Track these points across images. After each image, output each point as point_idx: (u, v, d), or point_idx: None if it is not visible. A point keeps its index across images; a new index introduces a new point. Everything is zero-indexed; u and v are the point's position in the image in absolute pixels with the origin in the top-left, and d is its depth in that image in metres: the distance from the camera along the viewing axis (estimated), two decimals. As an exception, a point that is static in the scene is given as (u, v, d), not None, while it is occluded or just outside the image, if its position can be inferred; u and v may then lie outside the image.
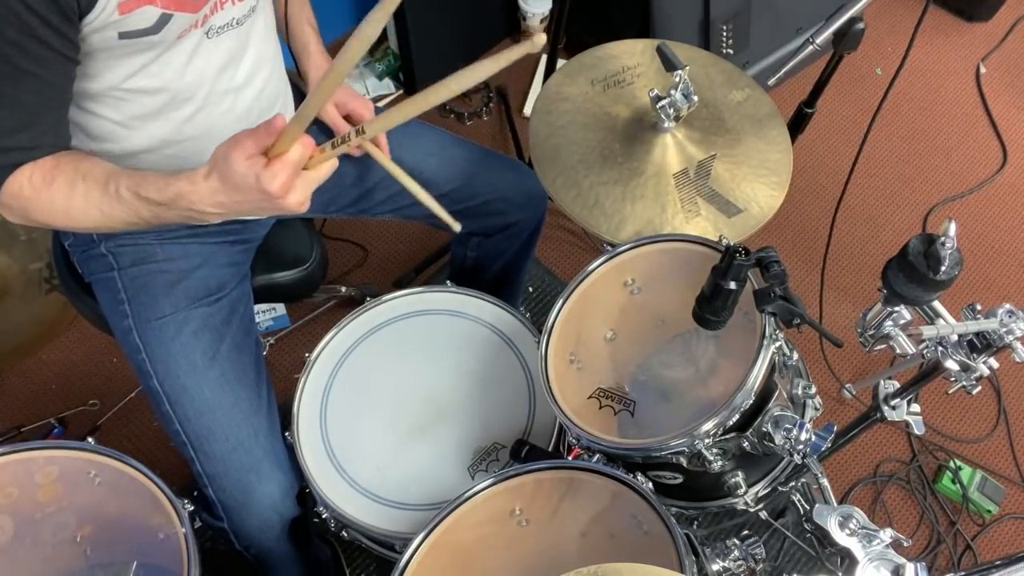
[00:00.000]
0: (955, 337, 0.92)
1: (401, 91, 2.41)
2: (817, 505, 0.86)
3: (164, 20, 0.89)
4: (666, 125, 1.26)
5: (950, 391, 0.96)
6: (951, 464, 1.82)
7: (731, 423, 0.96)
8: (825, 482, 1.08)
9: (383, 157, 1.27)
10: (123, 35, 0.88)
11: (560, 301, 1.13)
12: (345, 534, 1.18)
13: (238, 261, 1.24)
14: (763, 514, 1.13)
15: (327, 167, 0.88)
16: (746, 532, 1.01)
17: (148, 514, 1.03)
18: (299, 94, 1.30)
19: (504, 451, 1.17)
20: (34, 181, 0.90)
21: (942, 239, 0.83)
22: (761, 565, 0.98)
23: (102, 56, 0.91)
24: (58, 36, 0.83)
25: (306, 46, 1.27)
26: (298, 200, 0.86)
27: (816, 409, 1.10)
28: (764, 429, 0.97)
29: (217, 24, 0.97)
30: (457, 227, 1.10)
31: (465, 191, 1.35)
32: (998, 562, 0.80)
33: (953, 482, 1.80)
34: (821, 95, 1.47)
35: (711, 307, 0.94)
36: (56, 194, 0.91)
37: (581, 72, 1.38)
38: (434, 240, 2.08)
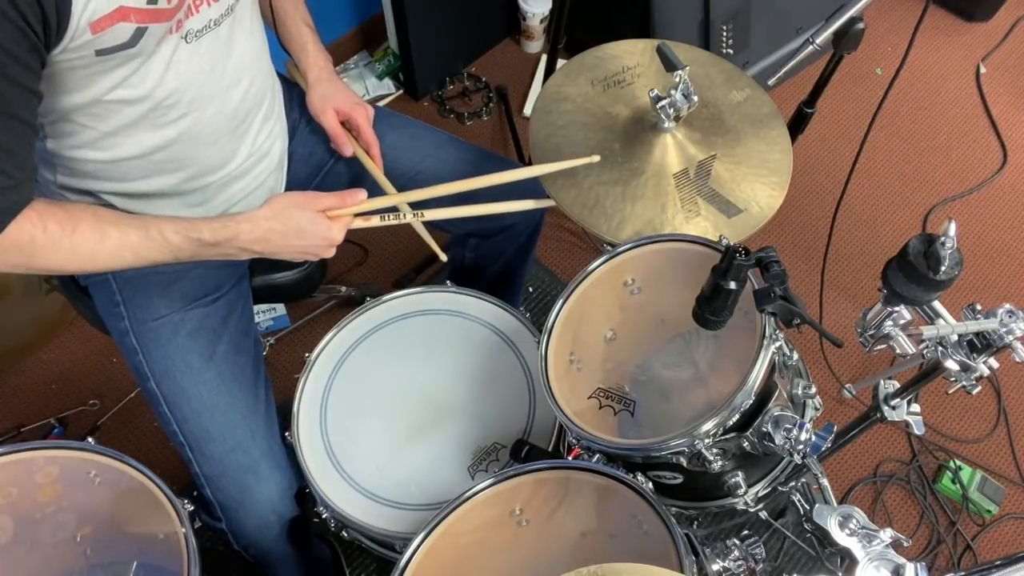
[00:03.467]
0: (955, 337, 0.92)
1: (401, 91, 2.41)
2: (817, 505, 0.86)
3: (140, 34, 0.88)
4: (666, 125, 1.25)
5: (950, 391, 0.96)
6: (951, 464, 1.82)
7: (731, 423, 0.96)
8: (825, 482, 1.08)
9: (376, 170, 1.27)
10: (100, 52, 0.87)
11: (560, 301, 1.13)
12: (345, 534, 1.18)
13: (235, 261, 1.24)
14: (763, 514, 1.13)
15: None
16: (746, 532, 1.01)
17: (148, 514, 1.03)
18: (289, 90, 1.29)
19: (504, 451, 1.17)
20: (50, 230, 0.90)
21: (942, 239, 0.83)
22: (761, 565, 0.98)
23: (83, 73, 0.90)
24: (26, 71, 0.81)
25: (304, 45, 1.26)
26: (333, 251, 1.09)
27: (816, 409, 1.10)
28: (764, 429, 0.97)
29: (195, 28, 0.96)
30: (443, 257, 1.25)
31: (462, 193, 1.35)
32: (998, 562, 0.80)
33: (953, 482, 1.80)
34: (821, 95, 1.47)
35: (711, 307, 0.94)
36: (81, 242, 0.92)
37: (581, 72, 1.38)
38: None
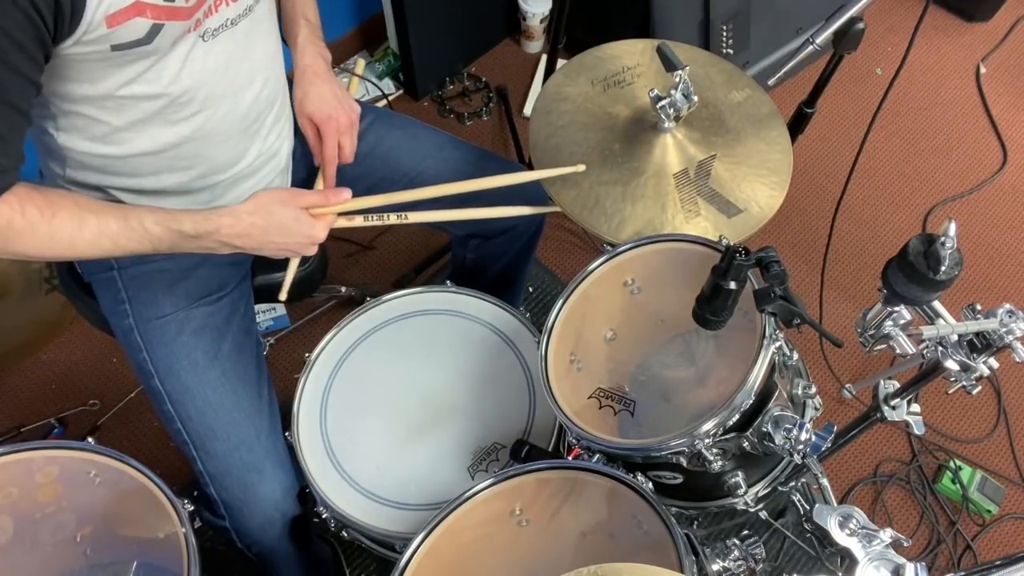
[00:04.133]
0: (955, 337, 0.92)
1: (401, 91, 2.41)
2: (817, 505, 0.86)
3: (155, 30, 0.89)
4: (666, 125, 1.26)
5: (950, 391, 0.96)
6: (951, 464, 1.82)
7: (731, 423, 0.96)
8: (825, 482, 1.08)
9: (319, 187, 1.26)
10: (115, 47, 0.88)
11: (560, 301, 1.13)
12: (345, 534, 1.18)
13: (239, 260, 1.24)
14: (763, 514, 1.13)
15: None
16: (746, 532, 1.01)
17: (148, 514, 1.03)
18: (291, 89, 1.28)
19: (504, 451, 1.17)
20: (28, 215, 0.89)
21: (942, 239, 0.83)
22: (761, 565, 0.98)
23: (98, 66, 0.90)
24: (28, 60, 0.81)
25: (295, 39, 1.21)
26: (315, 249, 1.09)
27: (816, 409, 1.10)
28: (764, 429, 0.97)
29: (212, 27, 0.96)
30: (283, 296, 1.20)
31: (463, 194, 1.35)
32: (998, 562, 0.80)
33: (953, 482, 1.80)
34: (821, 95, 1.47)
35: (711, 307, 0.94)
36: (59, 228, 0.91)
37: (581, 72, 1.38)
38: (434, 240, 2.08)
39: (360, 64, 1.41)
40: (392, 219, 1.15)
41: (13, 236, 0.90)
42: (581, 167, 1.22)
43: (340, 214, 1.10)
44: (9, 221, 0.88)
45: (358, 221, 1.13)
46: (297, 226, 1.04)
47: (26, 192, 0.90)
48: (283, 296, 1.20)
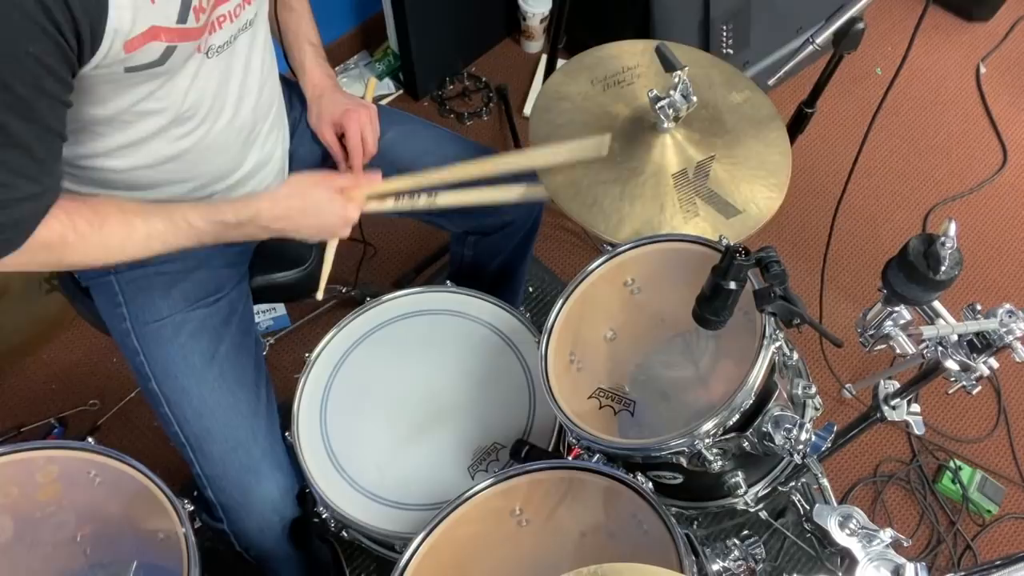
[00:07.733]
0: (955, 337, 0.92)
1: (401, 91, 2.41)
2: (817, 505, 0.86)
3: (169, 52, 0.89)
4: (665, 125, 1.26)
5: (950, 391, 0.96)
6: (951, 464, 1.82)
7: (731, 423, 0.96)
8: (825, 482, 1.08)
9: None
10: (129, 69, 0.88)
11: (560, 301, 1.13)
12: (345, 534, 1.18)
13: (236, 262, 1.24)
14: (763, 514, 1.13)
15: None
16: (746, 532, 1.01)
17: (148, 514, 1.03)
18: (288, 89, 1.28)
19: (504, 451, 1.17)
20: (79, 228, 0.91)
21: (942, 239, 0.83)
22: (761, 565, 0.98)
23: (108, 87, 0.90)
24: (59, 83, 0.82)
25: (302, 64, 1.27)
26: (349, 230, 1.12)
27: (816, 409, 1.10)
28: (764, 429, 0.97)
29: (216, 44, 0.97)
30: (320, 295, 1.24)
31: (470, 180, 1.35)
32: (998, 562, 0.80)
33: (953, 482, 1.80)
34: (821, 95, 1.47)
35: (711, 307, 0.94)
36: (110, 236, 0.95)
37: (581, 72, 1.38)
38: (434, 240, 2.08)
39: (372, 82, 1.43)
40: (422, 202, 1.17)
41: (67, 250, 0.92)
42: (607, 136, 1.19)
43: (371, 196, 1.14)
44: (62, 236, 0.91)
45: (389, 204, 1.16)
46: (332, 206, 1.08)
47: (73, 205, 0.92)
48: (320, 295, 1.23)
